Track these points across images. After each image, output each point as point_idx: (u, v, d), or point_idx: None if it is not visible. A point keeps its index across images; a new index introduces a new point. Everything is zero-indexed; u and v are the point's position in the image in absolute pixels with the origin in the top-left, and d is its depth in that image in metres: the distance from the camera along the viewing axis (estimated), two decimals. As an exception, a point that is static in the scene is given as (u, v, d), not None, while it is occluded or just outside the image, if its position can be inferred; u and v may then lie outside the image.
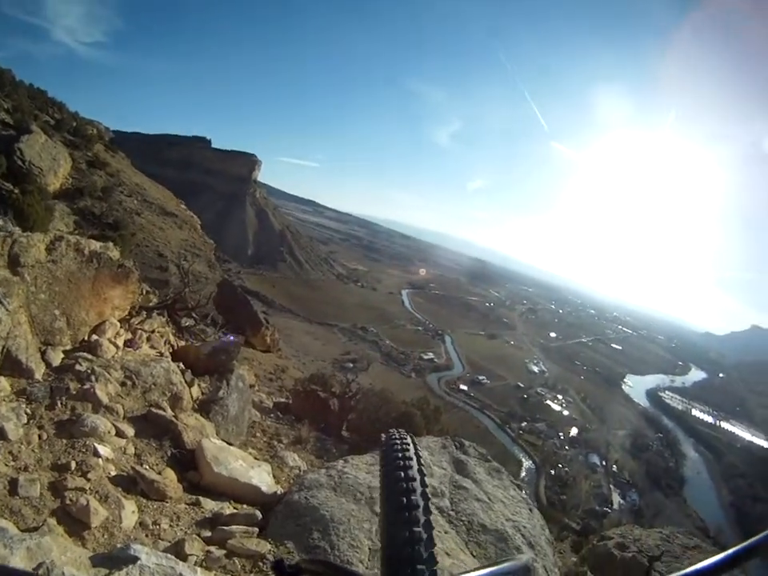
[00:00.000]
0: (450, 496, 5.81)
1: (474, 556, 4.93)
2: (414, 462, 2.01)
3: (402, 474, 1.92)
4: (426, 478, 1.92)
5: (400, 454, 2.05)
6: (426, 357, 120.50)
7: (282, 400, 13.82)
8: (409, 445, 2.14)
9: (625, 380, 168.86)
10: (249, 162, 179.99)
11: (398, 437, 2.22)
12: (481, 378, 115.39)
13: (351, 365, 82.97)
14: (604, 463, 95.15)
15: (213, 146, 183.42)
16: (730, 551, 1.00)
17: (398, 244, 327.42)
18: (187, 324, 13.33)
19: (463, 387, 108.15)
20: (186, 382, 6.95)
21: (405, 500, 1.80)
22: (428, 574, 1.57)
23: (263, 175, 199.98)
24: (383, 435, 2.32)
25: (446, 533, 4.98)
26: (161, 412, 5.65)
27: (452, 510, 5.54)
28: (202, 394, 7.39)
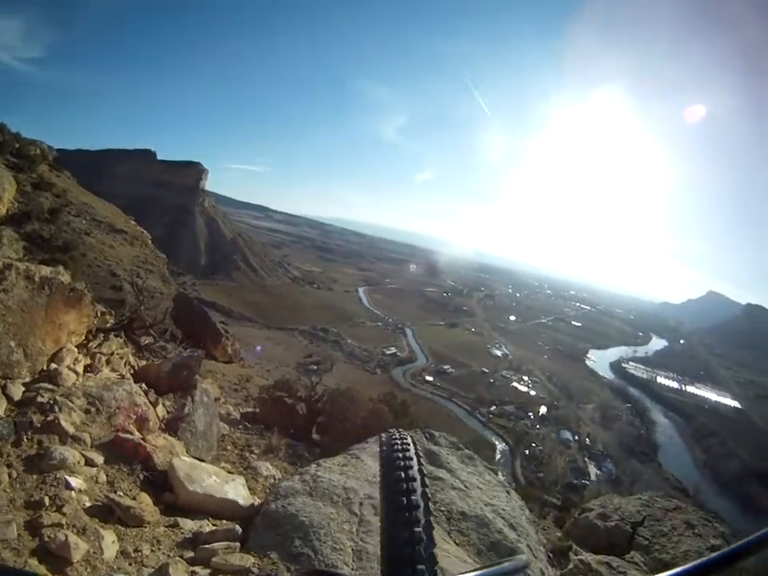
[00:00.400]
0: (426, 489, 5.82)
1: (457, 544, 5.04)
2: (415, 462, 2.03)
3: (403, 474, 1.94)
4: (426, 479, 1.95)
5: (400, 454, 2.07)
6: (388, 352, 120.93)
7: (250, 410, 13.72)
8: (409, 445, 2.16)
9: (588, 355, 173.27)
10: (195, 171, 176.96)
11: (398, 437, 2.25)
12: (445, 367, 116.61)
13: (315, 367, 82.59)
14: (576, 438, 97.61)
15: (158, 157, 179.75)
16: (728, 548, 1.02)
17: (352, 242, 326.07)
18: (146, 342, 13.07)
19: (429, 378, 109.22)
20: (150, 402, 6.84)
21: (405, 500, 1.82)
22: (428, 574, 1.60)
23: (211, 184, 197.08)
24: (383, 435, 2.34)
25: (426, 525, 4.95)
26: (128, 436, 5.56)
27: (430, 502, 5.59)
28: (168, 412, 7.26)
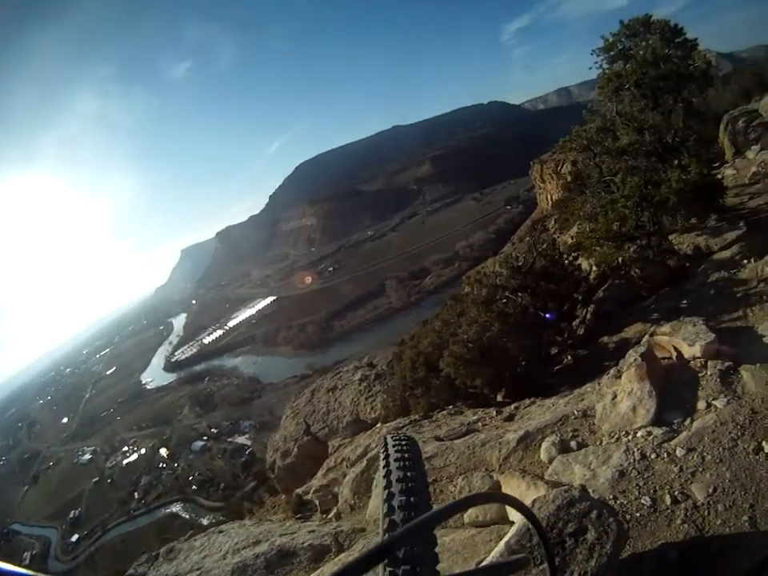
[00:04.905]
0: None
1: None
2: (416, 463, 2.13)
3: (403, 474, 2.02)
4: (426, 479, 2.05)
5: (401, 455, 2.13)
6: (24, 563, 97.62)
7: None
8: (410, 446, 2.22)
9: (143, 383, 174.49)
10: None
11: (401, 438, 2.32)
12: (71, 515, 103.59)
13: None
14: (206, 439, 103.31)
15: None
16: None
17: None
18: None
19: (72, 539, 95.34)
20: None
21: (405, 500, 1.89)
22: (428, 574, 1.70)
23: None
24: (384, 437, 2.36)
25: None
26: None
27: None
28: None
